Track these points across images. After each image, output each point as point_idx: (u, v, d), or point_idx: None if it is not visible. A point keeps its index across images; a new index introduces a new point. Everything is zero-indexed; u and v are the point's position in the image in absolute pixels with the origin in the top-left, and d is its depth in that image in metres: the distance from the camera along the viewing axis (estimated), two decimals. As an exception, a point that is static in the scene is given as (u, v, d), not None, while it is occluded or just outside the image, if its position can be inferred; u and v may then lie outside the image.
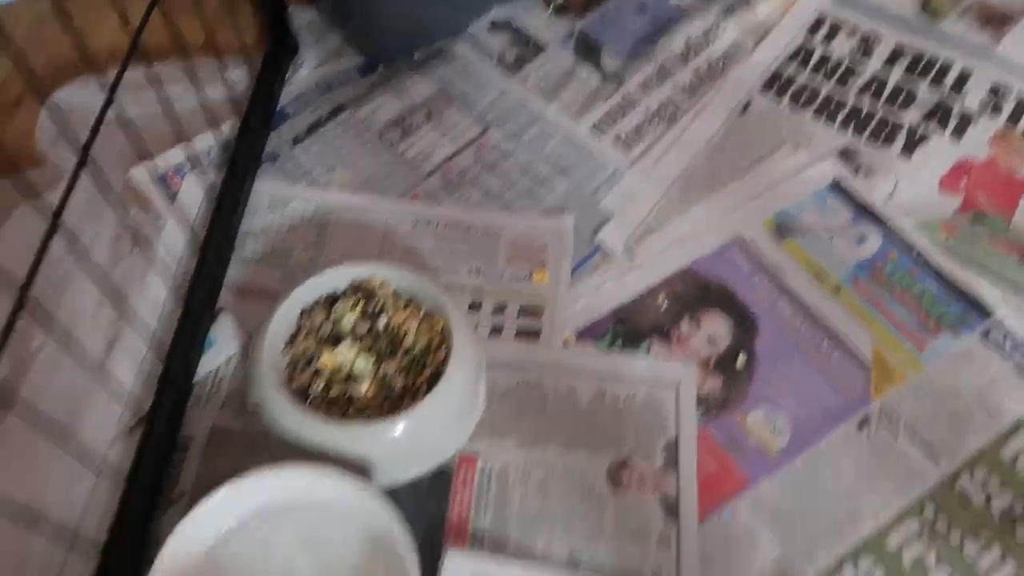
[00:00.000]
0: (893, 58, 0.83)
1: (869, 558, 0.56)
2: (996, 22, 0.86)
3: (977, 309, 0.67)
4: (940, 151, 0.76)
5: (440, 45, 0.84)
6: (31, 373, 0.60)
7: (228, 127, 0.75)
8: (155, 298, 0.65)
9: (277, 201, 0.72)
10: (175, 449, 0.59)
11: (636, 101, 0.79)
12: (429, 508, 0.57)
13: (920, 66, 0.83)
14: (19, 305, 0.36)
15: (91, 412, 0.59)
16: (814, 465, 0.60)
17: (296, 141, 0.76)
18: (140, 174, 0.71)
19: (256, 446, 0.59)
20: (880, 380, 0.64)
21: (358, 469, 0.54)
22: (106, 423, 0.59)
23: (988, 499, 0.58)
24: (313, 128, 0.77)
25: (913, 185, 0.74)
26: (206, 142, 0.74)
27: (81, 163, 0.44)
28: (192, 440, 0.60)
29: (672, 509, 0.58)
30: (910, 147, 0.76)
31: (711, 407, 0.62)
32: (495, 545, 0.56)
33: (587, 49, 0.84)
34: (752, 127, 0.78)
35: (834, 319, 0.66)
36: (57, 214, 0.40)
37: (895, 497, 0.58)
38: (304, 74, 0.81)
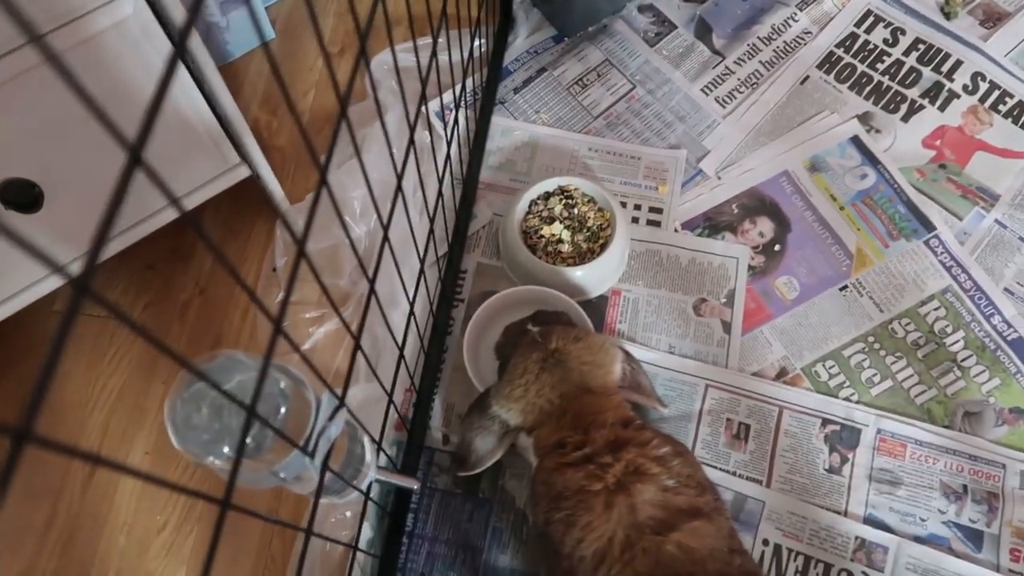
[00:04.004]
0: (911, 48, 1.11)
1: (831, 360, 0.95)
2: (994, 19, 1.14)
3: (926, 226, 1.01)
4: (928, 119, 1.07)
5: (605, 22, 1.15)
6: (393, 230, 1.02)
7: (474, 80, 1.11)
8: (447, 184, 1.04)
9: (506, 130, 1.09)
10: (460, 274, 1.01)
11: (732, 72, 1.10)
12: (595, 315, 0.98)
13: (928, 55, 1.11)
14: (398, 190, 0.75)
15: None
16: (810, 309, 0.97)
17: (516, 91, 1.10)
18: (433, 107, 1.08)
19: (501, 274, 1.01)
20: (858, 264, 1.00)
21: (561, 291, 0.95)
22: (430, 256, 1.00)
23: (906, 335, 0.97)
24: (527, 82, 1.10)
25: (905, 142, 1.06)
26: (462, 90, 1.10)
27: (413, 104, 0.82)
28: (466, 271, 1.02)
29: (727, 327, 0.97)
30: (909, 115, 1.08)
31: (756, 272, 1.00)
32: (628, 338, 0.98)
33: (703, 30, 1.13)
34: (806, 95, 1.09)
35: (837, 225, 1.02)
36: (411, 133, 0.79)
37: (853, 329, 0.96)
38: (519, 42, 1.13)
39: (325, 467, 0.53)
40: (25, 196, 0.72)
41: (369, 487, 0.69)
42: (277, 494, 0.88)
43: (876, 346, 0.95)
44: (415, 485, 0.73)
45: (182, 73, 0.72)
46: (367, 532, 0.87)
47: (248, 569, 0.86)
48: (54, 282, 0.85)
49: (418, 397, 0.91)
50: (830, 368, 0.94)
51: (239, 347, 0.97)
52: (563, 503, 0.69)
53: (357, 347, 0.58)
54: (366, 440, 0.65)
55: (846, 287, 0.98)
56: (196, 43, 0.72)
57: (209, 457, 0.51)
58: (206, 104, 0.77)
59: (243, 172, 0.90)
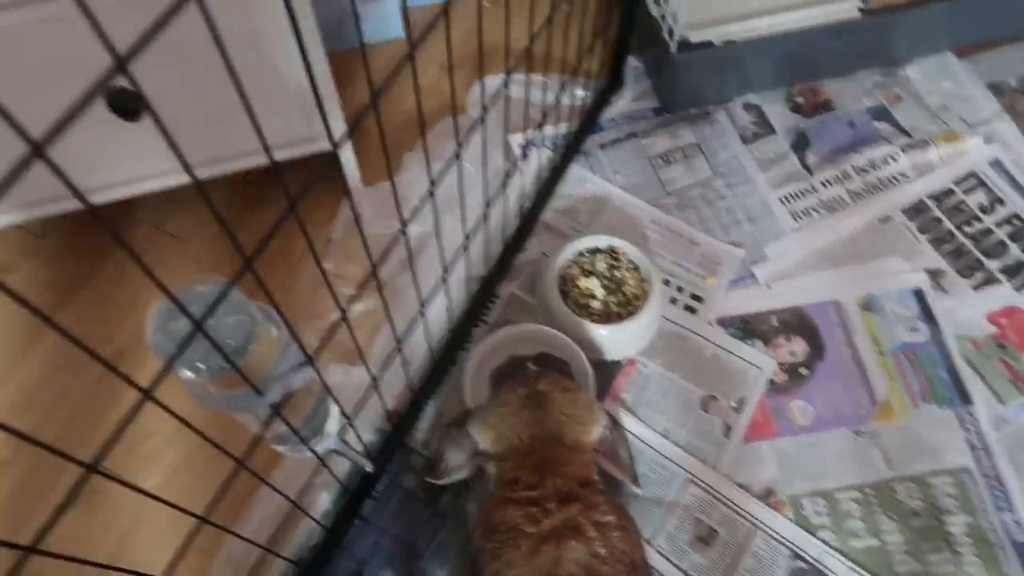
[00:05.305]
0: (1006, 221, 1.08)
1: (822, 498, 0.93)
2: (1102, 217, 1.10)
3: (964, 399, 0.97)
4: (1000, 295, 1.04)
5: (708, 108, 1.18)
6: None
7: (566, 125, 1.15)
8: (507, 213, 1.09)
9: (580, 180, 1.12)
10: (490, 299, 1.05)
11: (816, 191, 1.11)
12: (604, 378, 0.99)
13: (1021, 233, 1.08)
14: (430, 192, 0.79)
15: (458, 266, 1.05)
16: (817, 441, 0.95)
17: (602, 147, 1.14)
18: (512, 139, 1.14)
19: (530, 310, 1.03)
20: (881, 414, 0.98)
21: (579, 343, 0.97)
22: (463, 275, 1.04)
23: (908, 500, 0.93)
24: (615, 142, 1.14)
25: (969, 310, 1.03)
26: (551, 131, 1.14)
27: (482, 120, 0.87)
28: (499, 297, 1.05)
29: (728, 431, 0.96)
30: (981, 285, 1.04)
31: (775, 389, 0.99)
32: (629, 409, 0.98)
33: (801, 143, 1.15)
34: (882, 234, 1.07)
35: (871, 369, 1.00)
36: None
37: (854, 476, 0.93)
38: (620, 103, 1.17)
39: (276, 412, 0.57)
40: (129, 105, 0.81)
41: (328, 456, 0.73)
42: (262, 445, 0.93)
43: (873, 500, 0.92)
44: (369, 466, 0.76)
45: (289, 38, 0.80)
46: (325, 503, 0.90)
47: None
48: (150, 185, 0.94)
49: (414, 397, 0.94)
50: (817, 505, 0.91)
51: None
52: (496, 535, 0.71)
53: (343, 318, 0.62)
54: (334, 409, 0.69)
55: (861, 432, 0.96)
56: (308, 19, 0.79)
57: (182, 369, 0.56)
58: (304, 72, 0.84)
59: (325, 144, 0.97)
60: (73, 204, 0.92)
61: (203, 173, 0.93)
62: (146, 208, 1.08)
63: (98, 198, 0.93)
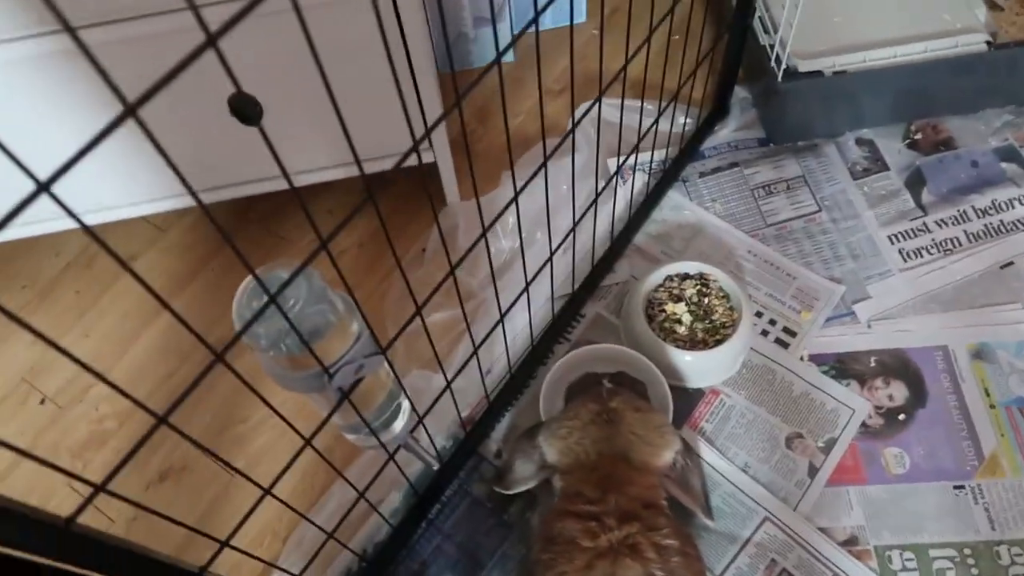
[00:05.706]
0: None
1: (912, 553, 0.87)
2: None
3: (1086, 463, 0.90)
4: None
5: (816, 141, 1.15)
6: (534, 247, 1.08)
7: (666, 151, 1.15)
8: (599, 234, 1.10)
9: (676, 207, 1.12)
10: (575, 317, 1.06)
11: (929, 230, 1.05)
12: (684, 406, 0.97)
13: None
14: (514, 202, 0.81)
15: (543, 282, 1.06)
16: (912, 493, 0.89)
17: (701, 175, 1.13)
18: (611, 162, 1.15)
19: (614, 331, 1.04)
20: (987, 470, 0.91)
21: (661, 369, 0.96)
22: (546, 291, 1.05)
23: (1011, 564, 0.86)
24: (715, 171, 1.13)
25: (1098, 367, 0.96)
26: (648, 156, 1.14)
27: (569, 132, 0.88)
28: (584, 317, 1.06)
29: (813, 472, 0.92)
30: (1115, 342, 0.97)
31: (868, 432, 0.94)
32: (708, 440, 0.96)
33: (916, 181, 1.09)
34: (1002, 280, 1.00)
35: (979, 422, 0.93)
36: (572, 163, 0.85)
37: (951, 534, 0.87)
38: (724, 132, 1.16)
39: (345, 396, 0.60)
40: (248, 111, 0.88)
41: (396, 451, 0.75)
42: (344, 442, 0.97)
43: (971, 562, 0.85)
44: (435, 464, 0.78)
45: (402, 56, 0.85)
46: (395, 502, 0.93)
47: (288, 485, 0.95)
48: (262, 187, 1.01)
49: (489, 407, 0.96)
50: (907, 560, 0.86)
51: (368, 304, 1.08)
52: (552, 547, 0.71)
53: (417, 313, 0.65)
54: (405, 404, 0.71)
55: (963, 488, 0.89)
56: (420, 41, 0.84)
57: (262, 347, 0.60)
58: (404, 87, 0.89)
59: (426, 157, 1.01)
60: (192, 201, 1.01)
61: (314, 178, 0.99)
62: (260, 209, 1.16)
63: (216, 196, 1.01)
